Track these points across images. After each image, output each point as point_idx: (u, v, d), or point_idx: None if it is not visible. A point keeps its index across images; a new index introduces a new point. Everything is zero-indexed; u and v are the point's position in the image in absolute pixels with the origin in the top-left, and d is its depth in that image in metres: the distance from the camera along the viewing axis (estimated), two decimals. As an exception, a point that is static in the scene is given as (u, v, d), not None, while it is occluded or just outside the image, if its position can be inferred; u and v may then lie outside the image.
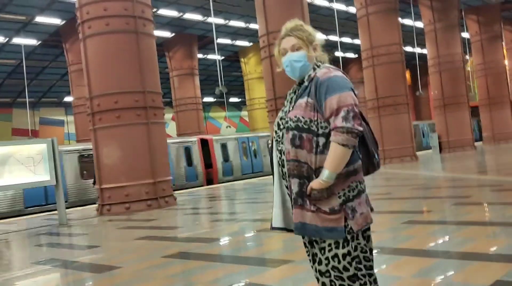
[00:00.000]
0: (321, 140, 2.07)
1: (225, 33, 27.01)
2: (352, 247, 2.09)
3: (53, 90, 33.24)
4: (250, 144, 23.41)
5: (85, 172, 16.72)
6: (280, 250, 5.33)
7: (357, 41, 26.20)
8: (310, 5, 20.30)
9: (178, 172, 19.73)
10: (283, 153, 2.16)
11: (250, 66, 31.59)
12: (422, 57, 31.30)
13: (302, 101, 2.13)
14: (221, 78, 21.50)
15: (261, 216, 7.91)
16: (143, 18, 11.73)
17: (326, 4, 23.54)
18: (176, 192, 16.37)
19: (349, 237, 2.08)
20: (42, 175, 10.00)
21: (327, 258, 2.11)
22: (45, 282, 5.08)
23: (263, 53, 14.94)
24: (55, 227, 9.84)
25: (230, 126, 32.30)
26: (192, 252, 5.52)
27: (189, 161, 20.41)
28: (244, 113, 41.46)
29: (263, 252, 5.42)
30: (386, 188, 10.73)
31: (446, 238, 5.01)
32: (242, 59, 32.11)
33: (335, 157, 2.01)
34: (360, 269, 2.11)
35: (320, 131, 2.08)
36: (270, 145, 2.36)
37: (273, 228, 2.29)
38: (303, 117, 2.09)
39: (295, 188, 2.10)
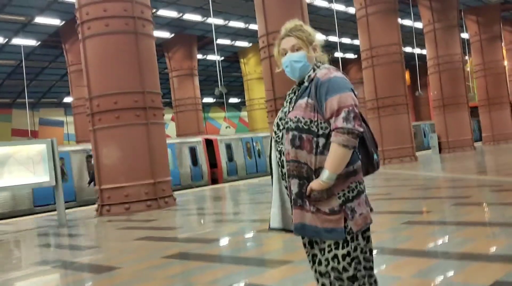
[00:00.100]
0: (321, 141, 2.07)
1: (224, 34, 27.01)
2: (351, 248, 2.09)
3: (52, 90, 33.23)
4: (254, 144, 23.60)
5: (91, 171, 16.82)
6: (280, 251, 5.33)
7: (356, 42, 26.21)
8: (310, 5, 20.31)
9: (184, 172, 20.09)
10: (283, 153, 2.16)
11: (250, 67, 31.59)
12: (422, 57, 31.32)
13: (302, 101, 2.13)
14: (220, 79, 21.52)
15: (261, 217, 7.91)
16: (143, 19, 11.73)
17: (326, 4, 23.55)
18: (181, 191, 16.55)
19: (348, 237, 2.08)
20: (41, 176, 9.99)
21: (326, 259, 2.10)
22: (45, 283, 5.08)
23: (262, 54, 14.94)
24: (54, 227, 9.84)
25: (229, 127, 32.33)
26: (192, 253, 5.52)
27: (195, 161, 20.71)
28: (243, 113, 41.47)
29: (262, 252, 5.42)
30: (385, 188, 10.73)
31: (446, 238, 5.01)
32: (241, 60, 32.11)
33: (335, 158, 2.01)
34: (359, 270, 2.11)
35: (320, 132, 2.08)
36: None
37: (271, 229, 2.29)
38: (303, 118, 2.09)
39: (294, 188, 2.10)
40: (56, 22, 21.29)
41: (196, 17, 23.54)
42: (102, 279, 4.75)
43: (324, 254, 2.11)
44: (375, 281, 2.18)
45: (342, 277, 2.09)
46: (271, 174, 2.29)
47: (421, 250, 4.40)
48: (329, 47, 27.97)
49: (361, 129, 2.03)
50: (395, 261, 4.07)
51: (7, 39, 22.78)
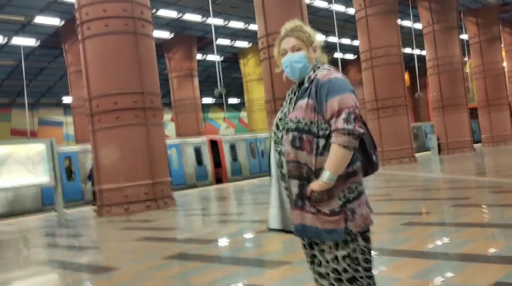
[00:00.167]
0: (321, 142, 2.07)
1: (224, 34, 27.01)
2: (351, 249, 2.09)
3: (52, 91, 33.21)
4: (258, 144, 23.77)
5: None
6: (279, 251, 5.33)
7: (356, 43, 26.23)
8: (309, 6, 20.32)
9: (189, 171, 20.42)
10: (282, 154, 2.15)
11: (249, 67, 31.59)
12: (421, 58, 31.34)
13: (303, 102, 2.12)
14: (220, 79, 21.50)
15: (260, 217, 7.91)
16: (142, 19, 11.73)
17: (325, 5, 23.56)
18: (186, 191, 16.67)
19: (348, 238, 2.07)
20: (41, 176, 9.99)
21: (326, 260, 2.10)
22: (44, 283, 5.07)
23: (262, 55, 14.95)
24: (54, 228, 9.83)
25: (229, 127, 32.36)
26: (191, 253, 5.52)
27: (199, 161, 21.01)
28: (243, 114, 41.45)
29: (261, 253, 5.42)
30: (385, 189, 10.74)
31: (445, 239, 5.01)
32: (241, 60, 32.10)
33: (336, 159, 2.01)
34: (358, 271, 2.11)
35: (321, 133, 2.08)
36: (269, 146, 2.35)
37: (270, 229, 2.28)
38: (303, 119, 2.09)
39: (295, 189, 2.10)
40: (55, 22, 21.28)
41: (195, 18, 23.55)
42: (101, 280, 4.75)
43: (324, 255, 2.11)
44: (374, 283, 2.18)
45: (341, 278, 2.09)
46: (270, 174, 2.29)
47: (421, 251, 4.40)
48: (328, 48, 27.97)
49: (362, 130, 2.03)
50: (395, 262, 4.07)
51: (6, 39, 22.77)
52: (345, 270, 2.08)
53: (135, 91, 11.31)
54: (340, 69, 2.10)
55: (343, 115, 2.01)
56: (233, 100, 43.20)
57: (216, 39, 20.11)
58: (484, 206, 7.04)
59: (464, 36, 28.41)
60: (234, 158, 22.60)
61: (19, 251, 7.52)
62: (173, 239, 6.96)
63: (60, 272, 5.49)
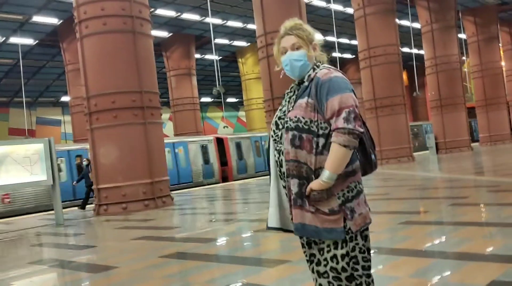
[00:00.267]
0: (321, 141, 2.07)
1: (222, 33, 26.99)
2: (350, 248, 2.09)
3: (50, 89, 33.15)
4: (263, 143, 23.99)
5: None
6: (277, 250, 5.34)
7: (354, 42, 26.23)
8: (308, 5, 20.32)
9: (196, 169, 20.76)
10: (282, 153, 2.15)
11: (248, 67, 31.58)
12: (419, 58, 31.38)
13: (303, 101, 2.12)
14: (218, 78, 21.51)
15: (259, 216, 7.91)
16: (141, 18, 11.72)
17: (324, 4, 23.56)
18: (194, 188, 16.78)
19: (347, 237, 2.08)
20: (38, 175, 9.97)
21: (325, 259, 2.10)
22: (42, 282, 5.07)
23: (260, 54, 14.95)
24: (52, 227, 9.82)
25: (227, 126, 32.40)
26: (189, 252, 5.52)
27: (206, 159, 21.32)
28: (241, 113, 41.45)
29: (260, 252, 5.42)
30: (383, 188, 10.75)
31: (443, 238, 5.02)
32: (239, 59, 32.08)
33: (336, 158, 2.01)
34: (357, 270, 2.11)
35: (320, 132, 2.08)
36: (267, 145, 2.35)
37: (269, 228, 2.28)
38: (303, 118, 2.09)
39: (294, 188, 2.10)
40: (53, 21, 21.24)
41: (194, 17, 23.52)
42: (99, 279, 4.75)
43: (323, 254, 2.11)
44: (372, 281, 2.18)
45: (340, 277, 2.09)
46: (269, 173, 2.29)
47: (419, 250, 4.40)
48: (327, 47, 27.89)
49: (362, 130, 2.03)
50: (393, 261, 4.08)
51: (4, 38, 22.71)
52: (344, 269, 2.08)
53: (134, 90, 11.30)
54: (339, 68, 2.08)
55: (343, 115, 2.01)
56: (231, 99, 43.19)
57: (214, 38, 20.12)
58: (482, 205, 7.06)
59: (462, 36, 28.45)
60: (240, 156, 22.98)
61: (17, 250, 7.51)
62: (171, 238, 6.96)
63: (58, 271, 5.49)
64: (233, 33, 27.58)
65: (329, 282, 2.12)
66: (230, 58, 32.70)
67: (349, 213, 2.06)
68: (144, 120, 11.36)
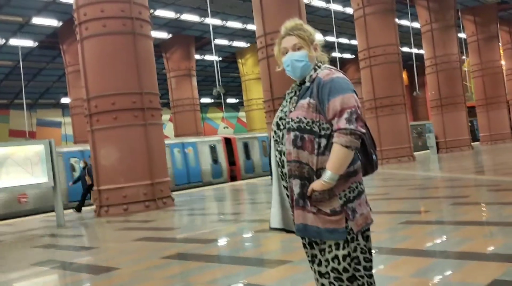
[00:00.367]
0: (323, 142, 2.07)
1: (222, 34, 27.00)
2: (352, 248, 2.09)
3: (50, 91, 33.16)
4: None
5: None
6: (278, 251, 5.34)
7: (354, 42, 26.24)
8: (307, 6, 20.32)
9: (205, 169, 21.20)
10: (283, 153, 2.15)
11: (248, 67, 31.59)
12: (419, 57, 31.37)
13: (304, 102, 2.12)
14: (218, 79, 21.52)
15: (260, 217, 7.92)
16: (140, 19, 11.73)
17: (323, 5, 23.57)
18: (203, 187, 16.86)
19: (349, 238, 2.08)
20: (39, 177, 9.97)
21: (327, 260, 2.11)
22: (43, 284, 5.07)
23: (260, 54, 14.94)
24: (53, 228, 9.82)
25: (227, 127, 32.47)
26: (190, 253, 5.52)
27: (215, 159, 21.71)
28: (241, 114, 41.46)
29: (261, 252, 5.43)
30: (384, 188, 10.75)
31: (444, 238, 5.02)
32: (239, 60, 32.09)
33: (338, 159, 2.01)
34: (358, 270, 2.11)
35: (322, 133, 2.08)
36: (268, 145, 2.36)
37: (271, 229, 2.29)
38: (305, 118, 2.09)
39: (296, 189, 2.10)
40: (53, 23, 21.25)
41: (194, 18, 23.53)
42: (100, 280, 4.75)
43: (324, 254, 2.11)
44: (374, 281, 2.18)
45: (342, 278, 2.09)
46: (271, 174, 2.29)
47: (419, 250, 4.41)
48: (327, 47, 27.91)
49: (364, 130, 2.03)
50: (393, 261, 4.08)
51: (4, 40, 22.73)
52: (346, 270, 2.08)
53: (134, 92, 11.31)
54: (339, 68, 2.08)
55: (345, 115, 2.01)
56: (231, 100, 43.19)
57: (214, 39, 20.12)
58: (483, 204, 7.05)
59: (462, 35, 28.45)
60: (248, 156, 23.37)
61: (19, 251, 7.51)
62: (172, 239, 6.97)
63: (59, 273, 5.49)
64: (233, 34, 27.59)
65: (330, 283, 2.12)
66: (230, 59, 32.71)
67: (350, 213, 2.07)
68: (144, 121, 11.37)
